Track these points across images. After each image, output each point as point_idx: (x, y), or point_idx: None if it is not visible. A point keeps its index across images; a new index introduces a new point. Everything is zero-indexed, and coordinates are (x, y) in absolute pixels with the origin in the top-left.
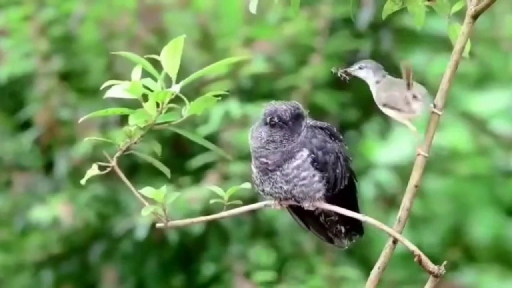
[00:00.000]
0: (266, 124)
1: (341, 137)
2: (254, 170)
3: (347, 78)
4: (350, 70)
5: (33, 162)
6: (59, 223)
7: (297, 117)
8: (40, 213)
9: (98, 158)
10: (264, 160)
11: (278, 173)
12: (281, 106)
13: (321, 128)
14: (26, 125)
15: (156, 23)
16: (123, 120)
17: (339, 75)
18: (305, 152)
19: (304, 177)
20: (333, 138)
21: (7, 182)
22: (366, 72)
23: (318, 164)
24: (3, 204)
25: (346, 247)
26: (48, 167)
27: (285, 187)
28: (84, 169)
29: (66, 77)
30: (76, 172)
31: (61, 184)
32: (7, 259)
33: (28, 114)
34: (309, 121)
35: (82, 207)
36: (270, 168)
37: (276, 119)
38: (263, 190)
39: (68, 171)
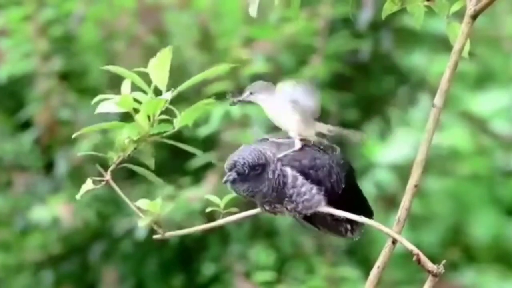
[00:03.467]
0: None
1: (330, 146)
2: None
3: (237, 103)
4: (241, 98)
5: (33, 162)
6: (59, 223)
7: (260, 166)
8: (40, 213)
9: (98, 159)
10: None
11: (284, 201)
12: (241, 156)
13: (307, 146)
14: (26, 125)
15: (156, 23)
16: (124, 119)
17: (232, 101)
18: (288, 169)
19: (304, 192)
20: (323, 150)
21: (7, 182)
22: (256, 97)
23: (313, 182)
24: (3, 204)
25: (357, 238)
26: (48, 167)
27: (289, 207)
28: (84, 169)
29: (66, 77)
30: (76, 172)
31: (61, 184)
32: (7, 259)
33: (28, 114)
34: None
35: (82, 207)
36: (274, 204)
37: (234, 175)
38: (265, 210)
39: (68, 171)
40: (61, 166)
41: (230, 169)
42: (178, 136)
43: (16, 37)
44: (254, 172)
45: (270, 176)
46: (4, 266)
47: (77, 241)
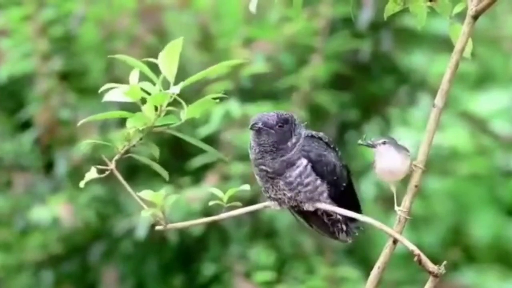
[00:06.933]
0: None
1: (333, 145)
2: (257, 177)
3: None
4: (374, 142)
5: (33, 162)
6: (59, 223)
7: (284, 122)
8: (40, 213)
9: (98, 159)
10: (263, 167)
11: (280, 181)
12: (268, 113)
13: (318, 138)
14: (26, 125)
15: (156, 23)
16: (123, 121)
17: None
18: (304, 160)
19: (307, 183)
20: (330, 147)
21: (7, 182)
22: (387, 149)
23: (318, 174)
24: (3, 204)
25: (350, 242)
26: (48, 167)
27: (289, 194)
28: (84, 169)
29: (66, 77)
30: (76, 172)
31: (61, 184)
32: (7, 259)
33: (28, 114)
34: (305, 131)
35: (82, 207)
36: (270, 175)
37: (260, 124)
38: (269, 196)
39: (68, 171)
40: (61, 166)
41: (255, 120)
42: (177, 136)
43: (16, 37)
44: (279, 126)
45: (294, 140)
46: (4, 266)
47: (77, 241)
